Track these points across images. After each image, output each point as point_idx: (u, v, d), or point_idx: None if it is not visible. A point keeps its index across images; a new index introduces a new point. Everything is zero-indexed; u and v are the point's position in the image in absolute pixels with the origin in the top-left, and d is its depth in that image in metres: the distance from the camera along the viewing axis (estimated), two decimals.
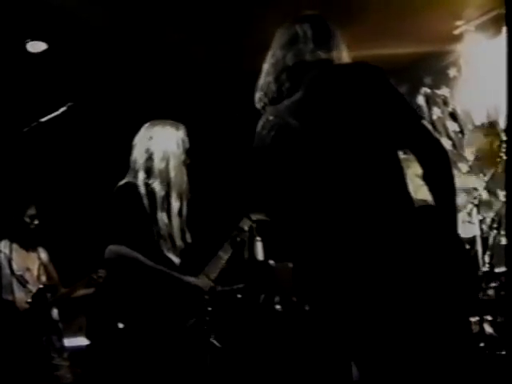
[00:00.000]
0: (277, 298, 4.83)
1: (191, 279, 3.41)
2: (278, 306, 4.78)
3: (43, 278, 5.49)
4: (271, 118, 2.45)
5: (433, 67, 6.34)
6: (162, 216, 3.40)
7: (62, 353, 5.48)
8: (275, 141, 2.41)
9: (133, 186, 3.39)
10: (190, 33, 5.65)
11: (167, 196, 3.43)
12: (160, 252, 3.36)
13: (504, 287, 4.26)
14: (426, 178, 2.27)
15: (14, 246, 5.31)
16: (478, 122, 5.70)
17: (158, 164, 3.44)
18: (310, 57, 2.49)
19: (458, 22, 5.91)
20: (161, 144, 3.47)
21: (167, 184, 3.43)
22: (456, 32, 6.00)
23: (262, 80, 2.57)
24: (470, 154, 5.20)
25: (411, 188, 2.29)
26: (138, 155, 3.49)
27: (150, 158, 3.45)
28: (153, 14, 5.38)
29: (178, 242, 3.45)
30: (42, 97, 5.75)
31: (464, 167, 5.27)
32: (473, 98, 5.86)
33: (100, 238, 6.35)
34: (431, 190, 2.26)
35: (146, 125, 3.60)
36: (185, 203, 3.50)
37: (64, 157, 6.97)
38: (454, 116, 5.93)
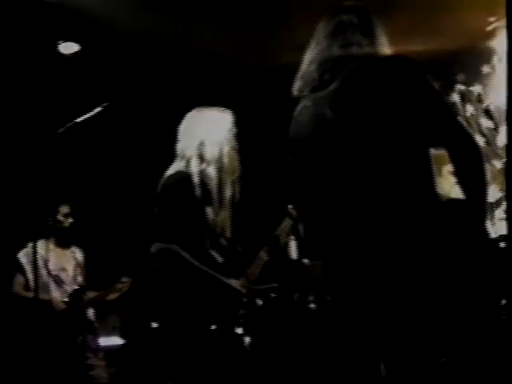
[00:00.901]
0: (311, 297, 4.81)
1: (233, 282, 3.34)
2: (312, 305, 4.76)
3: (79, 279, 5.51)
4: (309, 104, 2.44)
5: (466, 64, 6.28)
6: (211, 209, 3.32)
7: (97, 352, 5.50)
8: (310, 130, 2.41)
9: (185, 176, 3.30)
10: (221, 31, 5.65)
11: (220, 183, 3.33)
12: (204, 249, 3.29)
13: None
14: (457, 173, 2.24)
15: (50, 245, 5.35)
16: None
17: (211, 150, 3.33)
18: (356, 48, 2.47)
19: (491, 19, 5.85)
20: (213, 130, 3.37)
21: (221, 170, 3.33)
22: (489, 28, 5.93)
23: (304, 68, 2.55)
24: (504, 150, 5.15)
25: (445, 186, 2.28)
26: (188, 143, 3.38)
27: (202, 144, 3.34)
28: (184, 13, 5.39)
29: (222, 239, 3.37)
30: (77, 97, 5.80)
31: (498, 164, 5.21)
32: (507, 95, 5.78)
33: (130, 240, 6.39)
34: (462, 186, 2.24)
35: (193, 112, 3.49)
36: (237, 190, 3.41)
37: (99, 157, 7.01)
38: (488, 113, 5.86)
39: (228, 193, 3.35)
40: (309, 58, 2.54)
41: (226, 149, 3.37)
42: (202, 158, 3.32)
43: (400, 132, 2.26)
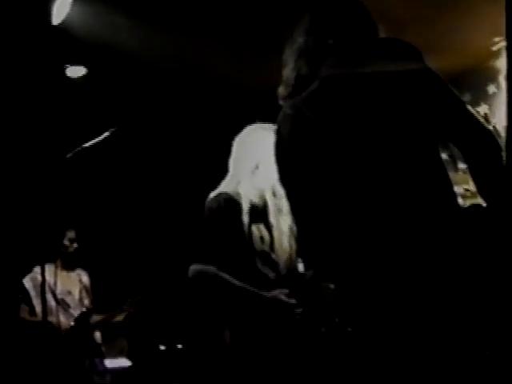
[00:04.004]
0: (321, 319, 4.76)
1: (278, 294, 3.16)
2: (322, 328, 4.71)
3: (86, 302, 5.51)
4: (288, 111, 2.20)
5: (472, 83, 6.28)
6: (260, 228, 3.22)
7: (105, 375, 5.49)
8: (291, 137, 2.16)
9: (232, 198, 3.18)
10: (229, 56, 5.66)
11: (278, 210, 3.20)
12: (255, 268, 3.16)
13: None
14: (473, 175, 1.99)
15: (56, 269, 5.34)
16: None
17: (265, 174, 3.18)
18: (333, 40, 2.19)
19: (497, 38, 5.85)
20: (268, 153, 2.98)
21: (274, 195, 3.18)
22: (494, 48, 5.94)
23: (283, 72, 2.30)
24: None
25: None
26: (241, 163, 3.26)
27: (256, 168, 3.21)
28: (191, 36, 5.39)
29: (273, 255, 3.23)
30: (85, 122, 5.81)
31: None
32: None
33: (136, 263, 6.39)
34: (480, 189, 1.99)
35: (248, 130, 3.35)
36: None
37: (107, 181, 7.03)
38: (495, 133, 5.85)
39: (287, 219, 3.20)
40: (285, 59, 2.30)
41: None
42: (255, 183, 3.22)
43: (402, 128, 2.00)
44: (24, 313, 5.29)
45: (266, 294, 3.13)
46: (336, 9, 2.26)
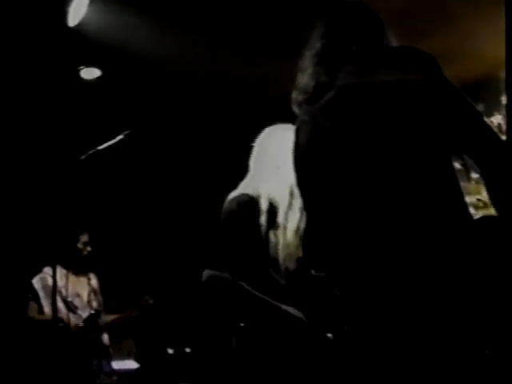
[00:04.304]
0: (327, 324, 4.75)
1: (291, 310, 3.12)
2: (329, 334, 4.71)
3: (94, 304, 5.53)
4: (306, 118, 2.20)
5: (485, 93, 6.25)
6: (275, 232, 3.16)
7: (112, 376, 5.51)
8: (308, 144, 2.18)
9: (250, 200, 3.13)
10: (243, 58, 5.66)
11: (289, 209, 3.14)
12: (268, 274, 3.13)
13: None
14: (487, 186, 1.97)
15: (66, 272, 5.36)
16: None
17: (286, 176, 3.05)
18: (353, 47, 2.18)
19: None
20: (290, 155, 3.13)
21: (292, 196, 3.11)
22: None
23: (299, 78, 2.27)
24: None
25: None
26: (262, 165, 3.22)
27: (278, 169, 3.15)
28: (204, 39, 5.40)
29: (288, 263, 3.17)
30: (99, 123, 5.83)
31: None
32: None
33: (147, 266, 6.40)
34: (494, 200, 1.97)
35: (270, 130, 3.30)
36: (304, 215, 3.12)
37: (121, 183, 7.05)
38: None
39: (296, 217, 3.15)
40: (303, 66, 2.27)
41: None
42: (276, 184, 3.17)
43: (417, 138, 1.98)
44: (33, 312, 5.31)
45: (283, 306, 3.07)
46: (351, 13, 2.26)
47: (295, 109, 2.29)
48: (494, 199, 2.00)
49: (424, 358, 1.93)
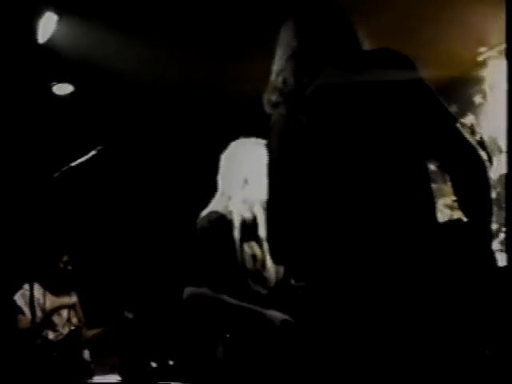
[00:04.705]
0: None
1: (274, 313, 3.12)
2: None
3: (74, 320, 5.49)
4: (283, 112, 2.19)
5: (458, 94, 6.31)
6: (250, 245, 3.18)
7: None
8: (284, 136, 2.18)
9: (222, 217, 3.12)
10: (216, 69, 5.66)
11: (262, 222, 3.14)
12: (247, 286, 3.13)
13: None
14: (456, 190, 2.01)
15: (45, 291, 5.32)
16: (505, 149, 5.64)
17: (256, 190, 3.10)
18: (330, 47, 2.18)
19: (482, 49, 5.89)
20: (258, 167, 3.00)
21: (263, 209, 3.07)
22: (480, 58, 5.97)
23: (274, 78, 2.25)
24: (497, 182, 5.15)
25: (440, 219, 2.12)
26: (230, 180, 3.23)
27: (246, 183, 3.17)
28: (178, 52, 5.40)
29: (265, 273, 3.21)
30: (71, 140, 5.80)
31: (493, 195, 5.20)
32: (499, 125, 5.81)
33: (125, 281, 6.37)
34: (463, 205, 2.01)
35: (235, 145, 3.31)
36: None
37: (95, 201, 7.01)
38: (481, 145, 5.85)
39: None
40: (279, 65, 2.25)
41: None
42: (245, 198, 3.18)
43: (391, 138, 2.00)
44: (22, 323, 5.25)
45: (264, 311, 3.08)
46: (323, 11, 2.25)
47: (268, 109, 2.28)
48: (462, 204, 2.03)
49: (415, 352, 1.93)
